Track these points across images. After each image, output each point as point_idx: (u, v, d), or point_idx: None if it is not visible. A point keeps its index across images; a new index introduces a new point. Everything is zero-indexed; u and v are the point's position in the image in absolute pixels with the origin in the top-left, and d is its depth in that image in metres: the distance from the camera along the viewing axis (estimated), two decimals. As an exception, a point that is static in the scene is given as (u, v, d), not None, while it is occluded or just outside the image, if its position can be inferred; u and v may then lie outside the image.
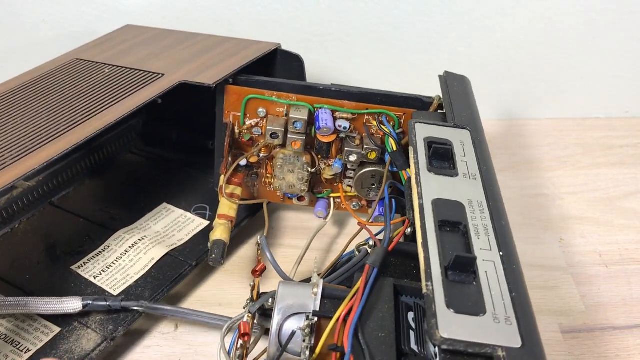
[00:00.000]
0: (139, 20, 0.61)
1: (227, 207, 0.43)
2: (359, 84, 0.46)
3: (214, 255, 0.40)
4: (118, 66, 0.46)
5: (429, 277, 0.28)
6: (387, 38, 0.63)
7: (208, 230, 0.47)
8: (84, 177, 0.54)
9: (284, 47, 0.49)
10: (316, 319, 0.30)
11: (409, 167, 0.42)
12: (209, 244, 0.41)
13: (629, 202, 0.56)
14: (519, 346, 0.25)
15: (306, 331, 0.29)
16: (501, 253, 0.30)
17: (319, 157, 0.46)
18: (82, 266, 0.44)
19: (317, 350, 0.29)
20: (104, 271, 0.44)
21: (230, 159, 0.45)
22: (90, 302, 0.39)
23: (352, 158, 0.44)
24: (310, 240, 0.43)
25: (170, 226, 0.49)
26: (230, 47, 0.49)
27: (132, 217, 0.49)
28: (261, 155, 0.46)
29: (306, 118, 0.43)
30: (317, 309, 0.30)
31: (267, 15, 0.61)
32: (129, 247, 0.46)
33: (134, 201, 0.51)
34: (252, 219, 0.49)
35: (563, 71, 0.67)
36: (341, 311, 0.29)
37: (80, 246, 0.46)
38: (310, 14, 0.61)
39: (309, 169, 0.45)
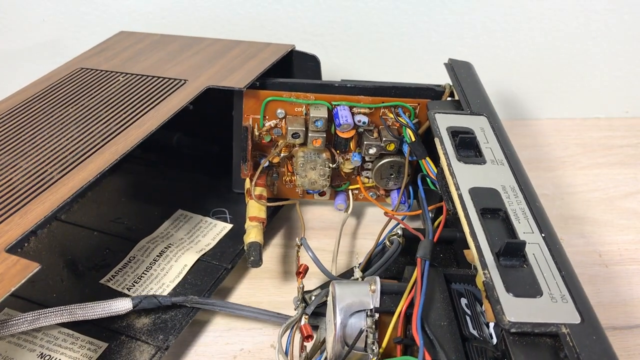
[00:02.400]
0: (139, 20, 0.61)
1: (256, 209, 0.44)
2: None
3: (252, 258, 0.40)
4: (132, 74, 0.46)
5: (485, 265, 0.30)
6: (387, 38, 0.63)
7: (233, 233, 0.48)
8: (85, 189, 0.53)
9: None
10: (377, 315, 0.31)
11: (427, 155, 0.43)
12: (245, 247, 0.42)
13: (629, 202, 0.56)
14: (579, 322, 0.27)
15: (372, 328, 0.30)
16: (543, 234, 0.32)
17: (338, 152, 0.47)
18: (112, 279, 0.44)
19: (383, 344, 0.31)
20: (136, 282, 0.44)
21: (251, 161, 0.46)
22: (141, 300, 0.39)
23: (372, 151, 0.45)
24: (339, 235, 0.44)
25: (193, 232, 0.49)
26: (243, 50, 0.49)
27: (149, 226, 0.49)
28: (282, 154, 0.46)
29: (326, 116, 0.44)
30: (378, 305, 0.31)
31: (267, 15, 0.61)
32: (157, 255, 0.46)
33: (146, 210, 0.51)
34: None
35: (563, 71, 0.67)
36: (402, 305, 0.31)
37: (103, 259, 0.46)
38: (310, 14, 0.61)
39: (330, 165, 0.46)
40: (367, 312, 0.31)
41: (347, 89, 0.45)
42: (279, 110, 0.45)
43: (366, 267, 0.39)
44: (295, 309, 0.36)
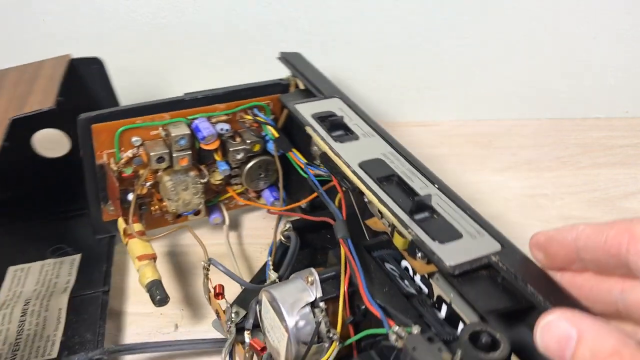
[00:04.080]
0: (140, 20, 0.61)
1: (141, 247, 0.40)
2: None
3: (158, 297, 0.37)
4: None
5: (406, 225, 0.32)
6: (387, 38, 0.63)
7: (87, 259, 0.45)
8: None
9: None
10: (323, 303, 0.31)
11: (294, 147, 0.44)
12: (145, 289, 0.38)
13: (629, 202, 0.55)
14: (501, 248, 0.31)
15: (324, 316, 0.31)
16: (436, 186, 0.35)
17: (204, 166, 0.45)
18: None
19: (338, 328, 0.31)
20: (16, 351, 0.38)
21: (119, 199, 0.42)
22: None
23: (239, 156, 0.45)
24: (230, 248, 0.43)
25: (43, 278, 0.44)
26: (18, 75, 0.45)
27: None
28: (147, 183, 0.43)
29: (189, 132, 0.42)
30: (321, 294, 0.32)
31: (267, 15, 0.61)
32: (21, 316, 0.40)
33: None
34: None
35: (563, 71, 0.67)
36: (344, 286, 0.32)
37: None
38: (310, 14, 0.61)
39: (201, 181, 0.44)
40: (312, 305, 0.31)
41: (198, 100, 0.43)
42: (134, 139, 0.42)
43: (276, 268, 0.38)
44: (227, 330, 0.35)
